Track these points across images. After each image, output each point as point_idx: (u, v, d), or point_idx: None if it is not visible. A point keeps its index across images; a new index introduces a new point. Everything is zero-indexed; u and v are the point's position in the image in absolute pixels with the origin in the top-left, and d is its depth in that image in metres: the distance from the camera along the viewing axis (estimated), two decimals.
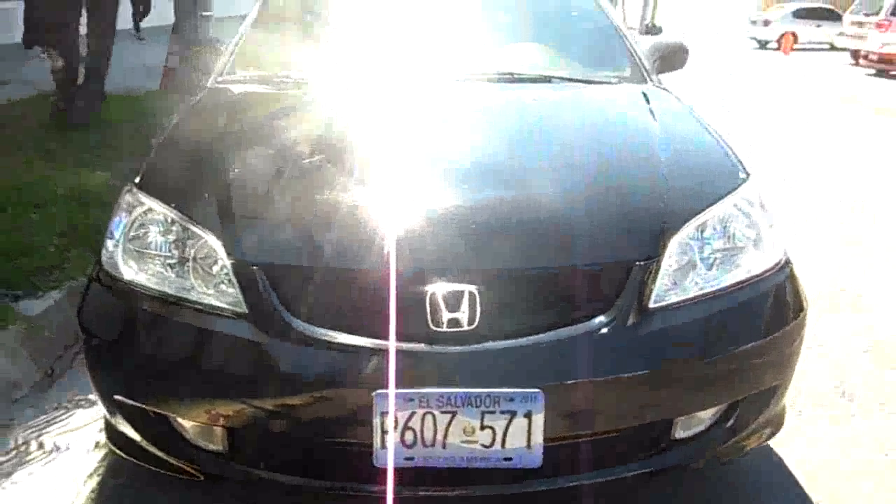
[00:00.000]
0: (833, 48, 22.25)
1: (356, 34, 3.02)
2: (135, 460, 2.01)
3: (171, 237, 1.90)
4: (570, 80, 2.83)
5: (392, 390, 1.63)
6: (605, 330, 1.76)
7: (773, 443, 2.43)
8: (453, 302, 1.72)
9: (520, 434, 1.70)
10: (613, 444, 1.86)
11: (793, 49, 21.70)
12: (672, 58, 3.18)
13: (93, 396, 2.37)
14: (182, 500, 2.19)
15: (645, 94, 2.69)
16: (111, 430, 2.05)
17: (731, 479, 2.31)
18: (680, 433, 1.92)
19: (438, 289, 1.72)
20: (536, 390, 1.68)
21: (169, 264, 1.88)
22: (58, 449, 2.46)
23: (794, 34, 23.01)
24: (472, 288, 1.72)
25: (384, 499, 1.69)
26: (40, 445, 2.48)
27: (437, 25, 3.03)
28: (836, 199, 5.76)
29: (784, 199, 5.52)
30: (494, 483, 1.78)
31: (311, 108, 2.63)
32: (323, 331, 1.73)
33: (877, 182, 6.43)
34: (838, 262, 4.34)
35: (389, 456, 1.68)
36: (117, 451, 2.08)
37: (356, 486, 1.77)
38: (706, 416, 1.94)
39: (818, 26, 24.77)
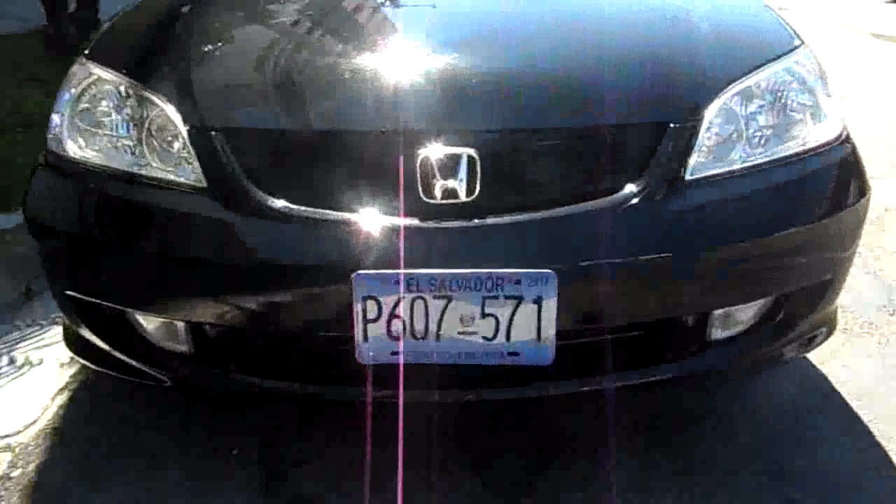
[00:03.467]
0: None
1: None
2: (95, 367, 1.78)
3: (123, 107, 1.63)
4: None
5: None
6: (631, 203, 1.47)
7: (815, 361, 2.15)
8: (449, 168, 1.43)
9: (528, 324, 1.42)
10: (638, 343, 1.59)
11: None
12: None
13: None
14: (160, 415, 1.98)
15: None
16: (69, 334, 1.82)
17: (769, 396, 2.04)
18: (716, 333, 1.63)
19: (431, 152, 1.43)
20: (548, 271, 1.40)
21: (120, 137, 1.62)
22: (30, 364, 2.25)
23: None
24: (472, 151, 1.43)
25: (370, 403, 1.44)
26: (11, 360, 2.28)
27: None
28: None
29: None
30: (497, 386, 1.51)
31: None
32: (293, 205, 1.46)
33: None
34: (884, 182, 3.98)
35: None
36: (78, 359, 1.86)
37: (335, 388, 1.52)
38: (747, 313, 1.66)
39: None
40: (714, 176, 1.55)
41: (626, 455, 1.78)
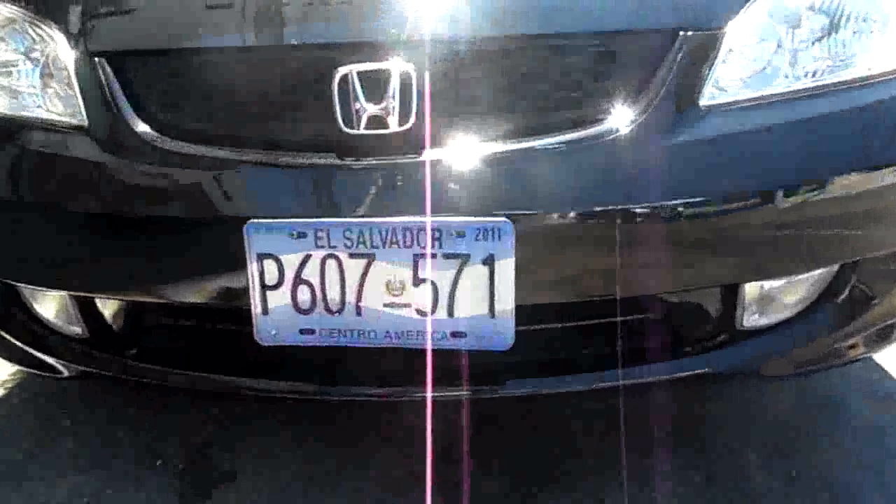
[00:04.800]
0: None
1: None
2: None
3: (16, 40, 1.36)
4: None
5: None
6: (621, 134, 1.09)
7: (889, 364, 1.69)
8: (376, 89, 1.09)
9: (477, 293, 1.05)
10: (640, 328, 1.19)
11: None
12: None
13: None
14: (89, 412, 1.69)
15: None
16: None
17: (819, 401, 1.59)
18: (751, 319, 1.23)
19: (353, 69, 1.09)
20: (502, 220, 1.04)
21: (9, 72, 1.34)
22: None
23: None
24: (407, 66, 1.08)
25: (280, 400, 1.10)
26: None
27: None
28: None
29: None
30: (438, 383, 1.13)
31: None
32: (182, 142, 1.14)
33: None
34: None
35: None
36: None
37: (236, 379, 1.18)
38: (795, 293, 1.24)
39: None
40: (742, 102, 1.15)
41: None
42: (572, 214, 1.06)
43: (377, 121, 1.09)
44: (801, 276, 1.22)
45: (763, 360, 1.25)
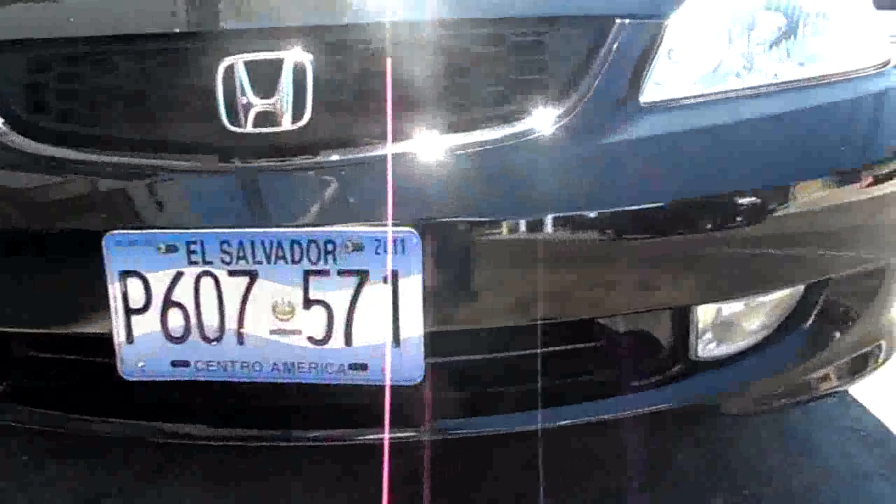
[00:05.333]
0: None
1: None
2: None
3: None
4: None
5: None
6: (550, 132, 0.95)
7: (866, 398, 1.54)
8: (266, 82, 0.94)
9: (378, 317, 0.89)
10: (574, 360, 1.03)
11: None
12: None
13: None
14: None
15: None
16: None
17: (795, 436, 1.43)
18: (707, 348, 1.07)
19: (241, 59, 0.95)
20: (408, 231, 0.88)
21: None
22: None
23: None
24: (301, 56, 0.94)
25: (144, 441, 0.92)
26: None
27: None
28: None
29: None
30: (330, 426, 0.96)
31: None
32: (41, 144, 0.98)
33: None
34: None
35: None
36: None
37: (100, 421, 1.00)
38: (757, 317, 1.09)
39: None
40: (689, 99, 1.01)
41: None
42: (489, 225, 0.90)
43: (267, 118, 0.94)
44: (761, 299, 1.08)
45: (722, 395, 1.09)
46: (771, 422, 1.46)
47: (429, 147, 0.93)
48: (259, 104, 0.94)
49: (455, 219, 0.90)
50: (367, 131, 0.95)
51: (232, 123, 0.94)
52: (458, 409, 0.97)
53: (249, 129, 0.94)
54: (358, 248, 0.88)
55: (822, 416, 1.47)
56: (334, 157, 0.93)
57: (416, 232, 0.88)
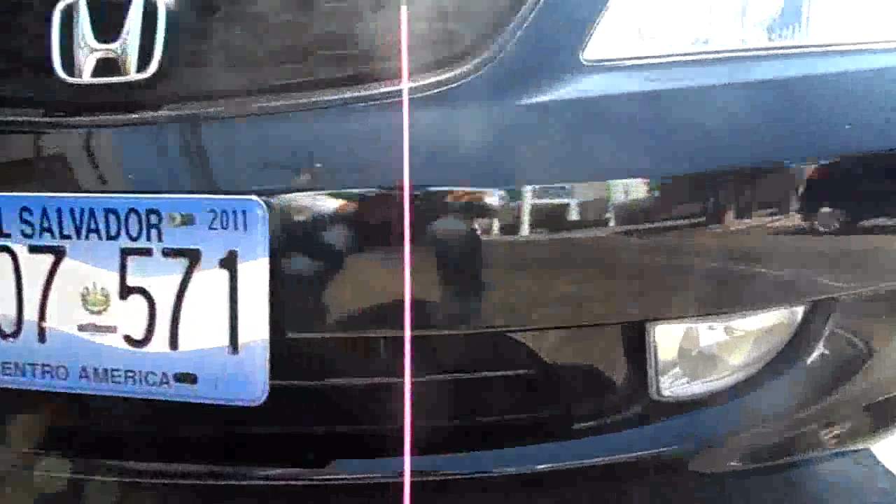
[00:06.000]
0: None
1: None
2: None
3: None
4: None
5: None
6: (451, 87, 0.74)
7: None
8: (110, 24, 0.77)
9: (212, 311, 0.69)
10: (485, 390, 0.79)
11: None
12: None
13: None
14: None
15: None
16: None
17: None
18: (675, 385, 0.82)
19: None
20: (251, 199, 0.68)
21: None
22: None
23: None
24: None
25: None
26: None
27: None
28: None
29: None
30: (150, 457, 0.74)
31: None
32: None
33: None
34: None
35: None
36: None
37: None
38: (741, 351, 0.84)
39: None
40: (646, 58, 0.80)
41: None
42: (361, 197, 0.69)
43: (109, 65, 0.77)
44: (744, 324, 0.83)
45: (693, 448, 0.83)
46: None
47: (290, 103, 0.73)
48: (101, 49, 0.77)
49: (315, 189, 0.69)
50: (222, 83, 0.75)
51: (67, 73, 0.77)
52: (311, 444, 0.74)
53: (87, 79, 0.76)
54: (188, 220, 0.68)
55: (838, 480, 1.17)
56: (174, 113, 0.74)
57: (261, 201, 0.67)
